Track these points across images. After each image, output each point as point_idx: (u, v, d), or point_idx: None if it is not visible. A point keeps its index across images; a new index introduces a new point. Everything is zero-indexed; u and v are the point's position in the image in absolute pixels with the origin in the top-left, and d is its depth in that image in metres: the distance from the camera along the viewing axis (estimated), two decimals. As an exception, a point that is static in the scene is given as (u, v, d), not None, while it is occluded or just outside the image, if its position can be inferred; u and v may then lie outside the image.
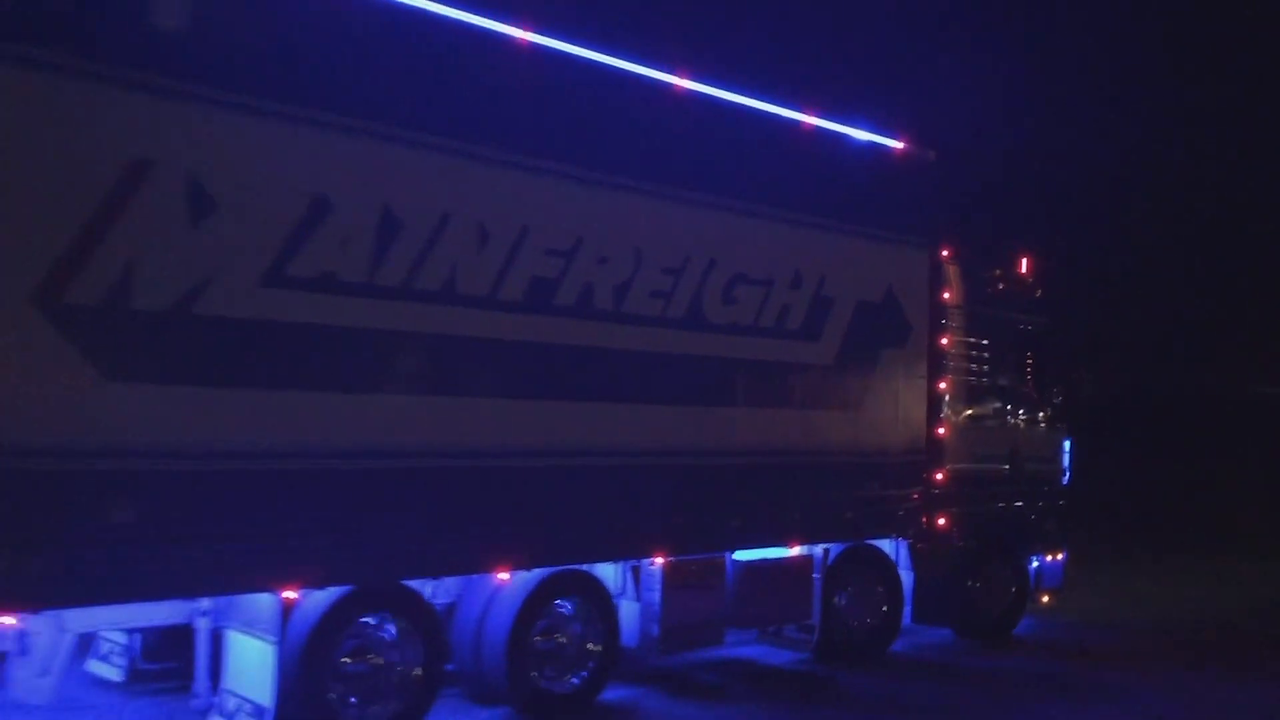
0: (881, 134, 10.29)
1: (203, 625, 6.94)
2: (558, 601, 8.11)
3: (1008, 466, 11.65)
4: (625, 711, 8.35)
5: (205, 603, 6.85)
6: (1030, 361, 12.05)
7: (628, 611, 8.69)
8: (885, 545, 10.62)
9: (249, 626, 6.84)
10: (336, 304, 6.72)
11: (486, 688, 7.94)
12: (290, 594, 6.70)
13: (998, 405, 11.72)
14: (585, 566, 8.30)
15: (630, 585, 8.80)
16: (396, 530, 7.04)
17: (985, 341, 11.41)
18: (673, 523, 8.60)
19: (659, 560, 8.64)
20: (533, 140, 7.68)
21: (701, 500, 8.78)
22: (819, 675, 9.69)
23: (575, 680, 8.17)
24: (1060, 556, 12.30)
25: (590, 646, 8.26)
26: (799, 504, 9.49)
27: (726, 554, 9.21)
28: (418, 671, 7.28)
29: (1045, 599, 12.21)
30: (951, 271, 11.09)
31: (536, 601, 7.89)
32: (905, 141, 10.47)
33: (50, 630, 6.33)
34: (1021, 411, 11.99)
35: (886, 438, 10.20)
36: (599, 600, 8.36)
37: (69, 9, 5.82)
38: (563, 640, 8.17)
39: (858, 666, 9.92)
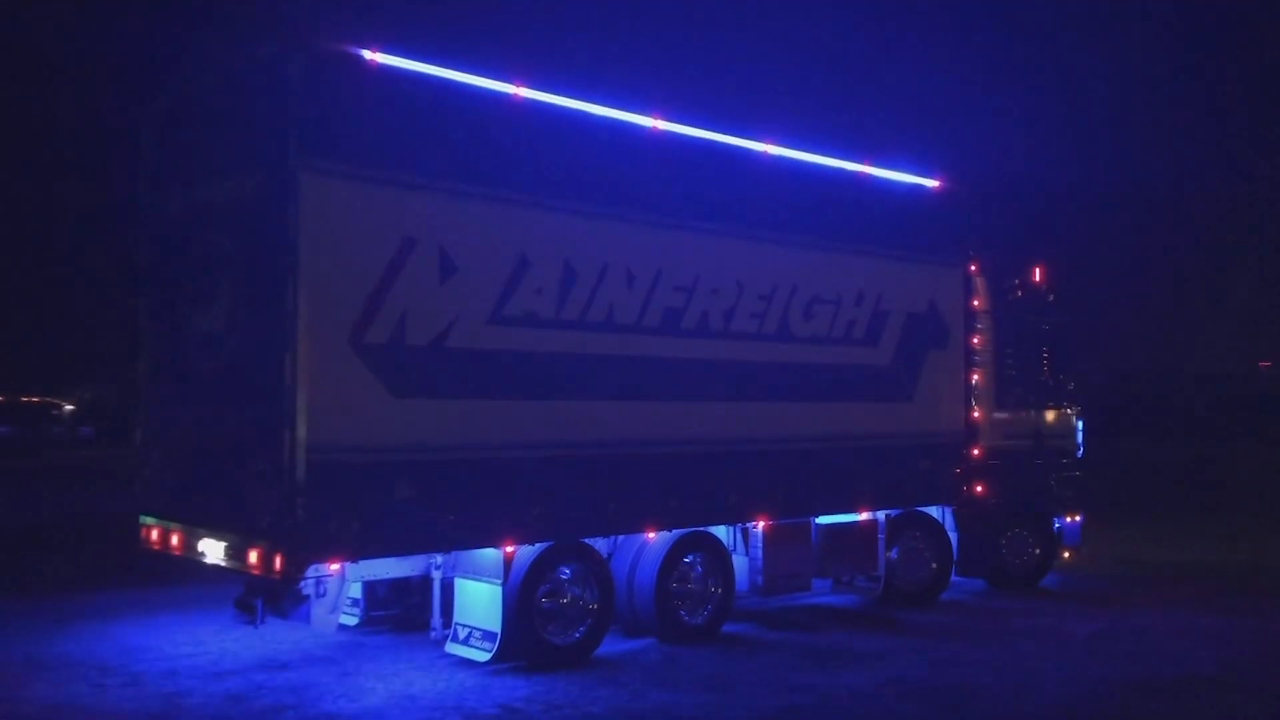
0: (921, 174, 12.64)
1: (436, 575, 9.39)
2: (687, 555, 10.51)
3: (1032, 443, 13.98)
4: (743, 639, 10.73)
5: (439, 558, 9.29)
6: (1047, 354, 14.39)
7: (739, 564, 11.12)
8: (934, 511, 13.00)
9: (477, 574, 9.26)
10: (535, 335, 9.15)
11: (638, 623, 10.34)
12: (509, 549, 9.11)
13: (1021, 392, 14.04)
14: (707, 528, 10.70)
15: (740, 543, 11.26)
16: (579, 500, 9.48)
17: (1009, 339, 13.77)
18: (770, 494, 11.00)
19: (761, 523, 11.05)
20: (664, 204, 10.11)
21: (792, 476, 11.17)
22: (883, 615, 12.07)
23: (705, 615, 10.58)
24: (1078, 518, 14.58)
25: (713, 590, 10.67)
26: (866, 478, 11.89)
27: (812, 518, 11.62)
28: (594, 605, 9.69)
29: (1066, 555, 14.50)
30: (979, 283, 13.47)
31: (674, 555, 10.32)
32: (940, 179, 12.82)
33: (338, 578, 8.76)
34: (1041, 397, 14.31)
35: (933, 422, 12.57)
36: (718, 554, 10.78)
37: (357, 136, 8.24)
38: (692, 585, 10.59)
39: (915, 608, 12.29)
